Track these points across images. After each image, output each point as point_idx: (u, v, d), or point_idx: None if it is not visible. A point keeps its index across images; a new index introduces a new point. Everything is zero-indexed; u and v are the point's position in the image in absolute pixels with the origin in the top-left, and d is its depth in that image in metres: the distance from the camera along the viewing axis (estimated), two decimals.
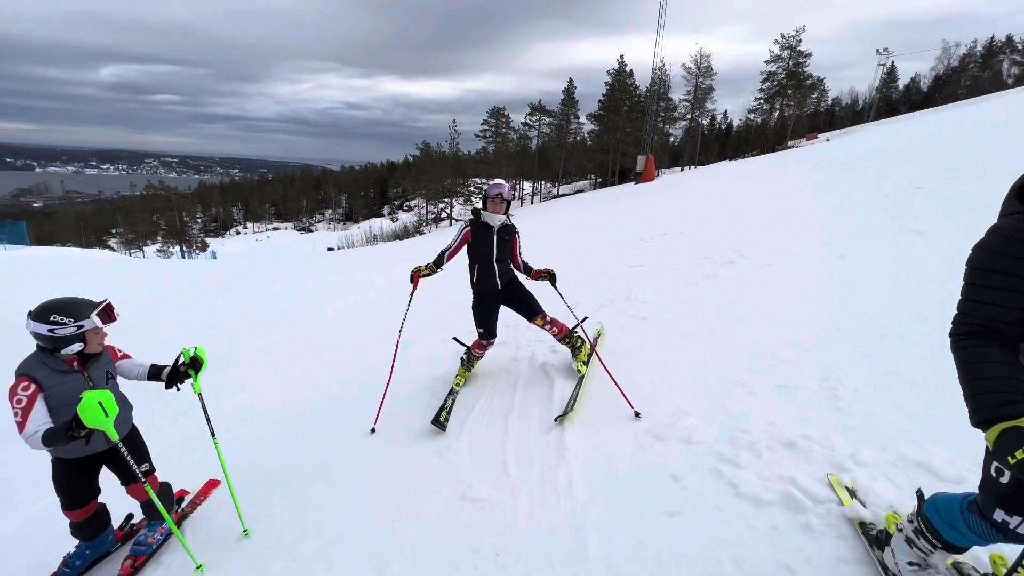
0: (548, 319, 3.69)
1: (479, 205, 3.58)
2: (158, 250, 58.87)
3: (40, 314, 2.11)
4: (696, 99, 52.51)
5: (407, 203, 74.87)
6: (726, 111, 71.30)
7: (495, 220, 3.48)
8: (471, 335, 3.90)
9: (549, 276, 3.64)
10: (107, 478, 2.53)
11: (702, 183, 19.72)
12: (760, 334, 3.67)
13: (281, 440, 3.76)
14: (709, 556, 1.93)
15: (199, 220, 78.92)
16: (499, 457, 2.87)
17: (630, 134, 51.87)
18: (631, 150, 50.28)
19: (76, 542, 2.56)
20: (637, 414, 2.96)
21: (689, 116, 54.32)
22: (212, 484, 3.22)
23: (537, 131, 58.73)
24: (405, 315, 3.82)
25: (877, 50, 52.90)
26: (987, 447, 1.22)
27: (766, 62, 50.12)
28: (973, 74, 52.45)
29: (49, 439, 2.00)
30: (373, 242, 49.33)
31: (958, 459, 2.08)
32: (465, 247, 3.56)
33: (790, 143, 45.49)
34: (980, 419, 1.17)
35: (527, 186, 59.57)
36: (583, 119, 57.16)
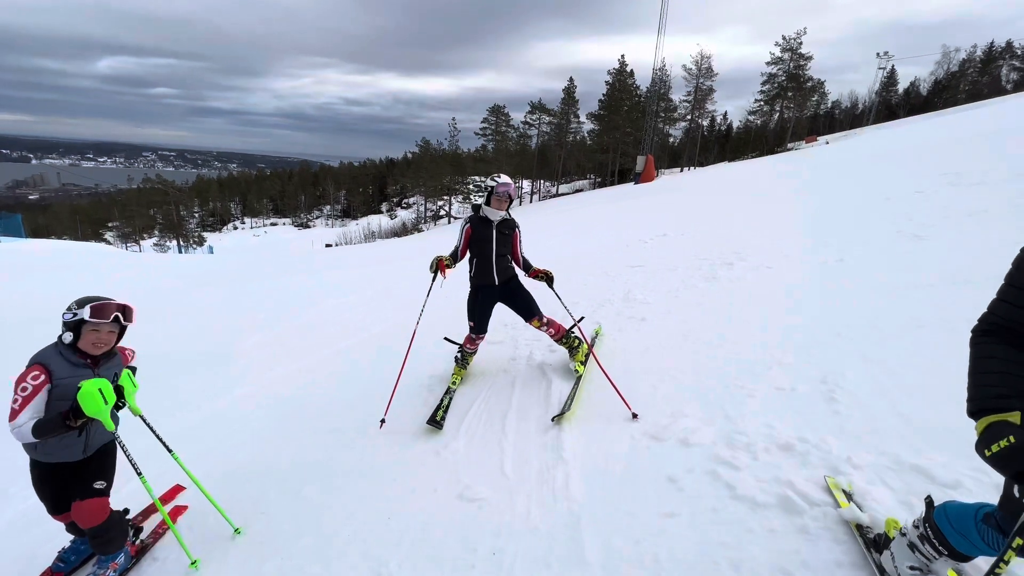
0: (545, 320, 3.68)
1: (480, 200, 3.58)
2: (155, 244, 58.67)
3: (72, 302, 2.21)
4: (696, 100, 52.57)
5: (406, 200, 74.73)
6: (726, 112, 71.45)
7: (495, 215, 3.49)
8: (463, 334, 3.92)
9: (547, 277, 3.63)
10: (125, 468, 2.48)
11: (701, 184, 19.74)
12: (758, 336, 3.67)
13: (277, 437, 3.75)
14: (706, 558, 1.93)
15: (196, 214, 78.62)
16: (496, 457, 2.87)
17: (630, 134, 51.91)
18: (631, 150, 50.33)
19: (72, 537, 2.55)
20: (635, 415, 2.96)
21: (689, 117, 54.38)
22: (178, 510, 2.92)
23: (537, 130, 58.70)
24: (424, 303, 3.84)
25: (877, 54, 53.19)
26: None
27: (767, 64, 50.27)
28: (972, 79, 52.64)
29: (43, 428, 2.00)
30: (371, 239, 49.29)
31: (955, 463, 2.09)
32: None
33: (789, 145, 45.61)
34: (973, 408, 1.20)
35: (526, 185, 59.53)
36: (583, 118, 57.23)
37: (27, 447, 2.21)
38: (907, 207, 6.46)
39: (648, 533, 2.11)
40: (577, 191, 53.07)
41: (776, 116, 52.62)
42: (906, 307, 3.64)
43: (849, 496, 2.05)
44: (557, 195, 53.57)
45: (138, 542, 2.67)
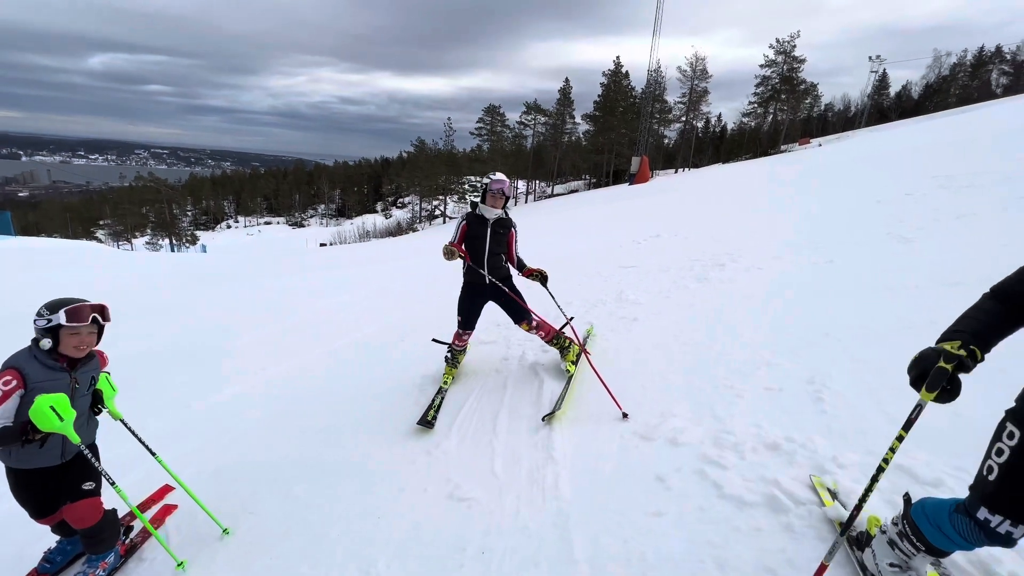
0: (534, 324, 3.68)
1: (477, 198, 3.57)
2: (147, 243, 58.20)
3: (41, 307, 2.14)
4: (691, 102, 52.85)
5: (401, 200, 74.56)
6: (720, 114, 71.91)
7: (491, 213, 3.49)
8: (450, 335, 3.93)
9: (540, 277, 3.64)
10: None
11: (695, 185, 19.84)
12: (748, 337, 3.70)
13: (269, 435, 3.74)
14: (692, 557, 1.94)
15: (189, 213, 78.12)
16: (487, 456, 2.87)
17: (625, 135, 52.08)
18: (626, 151, 50.51)
19: (57, 537, 2.53)
20: (625, 415, 2.97)
21: (684, 118, 54.68)
22: (167, 509, 2.89)
23: (532, 130, 58.78)
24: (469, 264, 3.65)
25: (870, 57, 53.72)
26: (988, 445, 1.33)
27: (761, 66, 50.63)
28: (963, 83, 53.22)
29: (2, 438, 1.96)
30: (366, 238, 49.14)
31: (937, 462, 2.11)
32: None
33: (783, 147, 45.93)
34: (940, 335, 1.40)
35: (521, 185, 59.58)
36: (579, 119, 57.36)
37: (1, 453, 2.17)
38: (897, 209, 6.53)
39: (636, 532, 2.12)
40: (572, 192, 53.17)
41: (770, 118, 52.99)
42: (895, 308, 3.67)
43: (834, 495, 2.07)
44: (552, 195, 53.62)
45: (127, 541, 2.65)
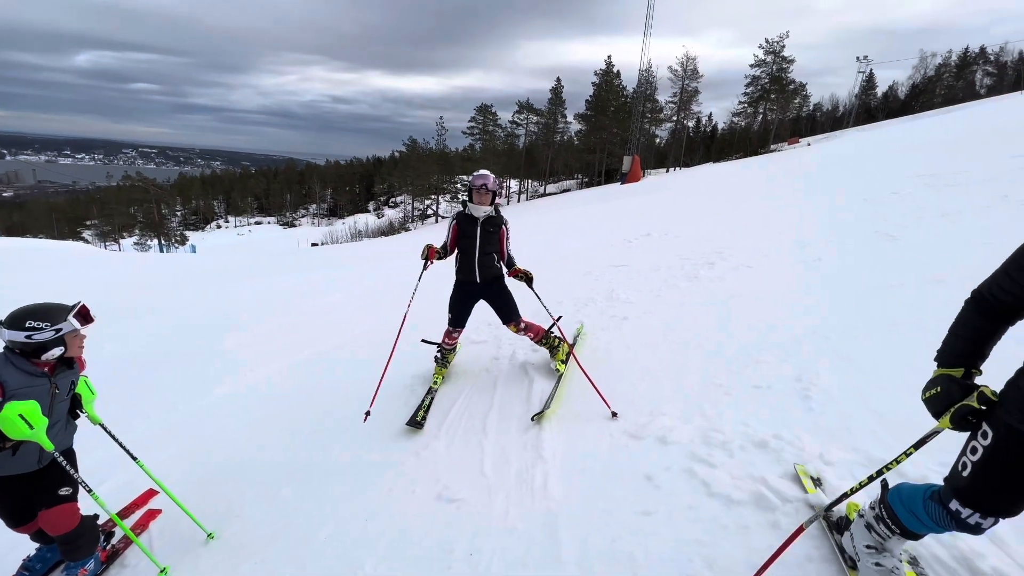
0: (523, 326, 3.67)
1: (467, 198, 3.56)
2: (135, 243, 57.42)
3: (14, 321, 2.04)
4: (682, 101, 53.07)
5: (393, 199, 74.22)
6: (711, 114, 72.40)
7: (480, 212, 3.46)
8: (440, 335, 3.92)
9: (526, 278, 3.60)
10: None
11: (687, 185, 19.95)
12: (737, 335, 3.71)
13: (257, 437, 3.69)
14: (680, 555, 1.94)
15: (178, 213, 77.14)
16: (476, 457, 2.86)
17: (617, 134, 52.22)
18: (618, 150, 50.66)
19: (37, 545, 2.47)
20: (614, 414, 2.97)
21: (675, 118, 54.89)
22: (150, 514, 2.85)
23: (524, 129, 58.76)
24: (414, 292, 3.82)
25: (857, 57, 54.27)
26: (964, 443, 1.40)
27: (750, 66, 50.94)
28: (948, 83, 54.00)
29: None
30: (358, 238, 48.90)
31: (922, 458, 2.13)
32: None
33: (772, 147, 46.30)
34: (936, 358, 1.48)
35: (514, 184, 59.55)
36: (570, 119, 57.41)
37: None
38: (884, 208, 6.59)
39: (624, 531, 2.11)
40: (564, 191, 53.25)
41: (760, 118, 53.37)
42: (881, 306, 3.71)
43: (817, 482, 2.12)
44: (544, 195, 53.69)
45: (108, 547, 2.60)
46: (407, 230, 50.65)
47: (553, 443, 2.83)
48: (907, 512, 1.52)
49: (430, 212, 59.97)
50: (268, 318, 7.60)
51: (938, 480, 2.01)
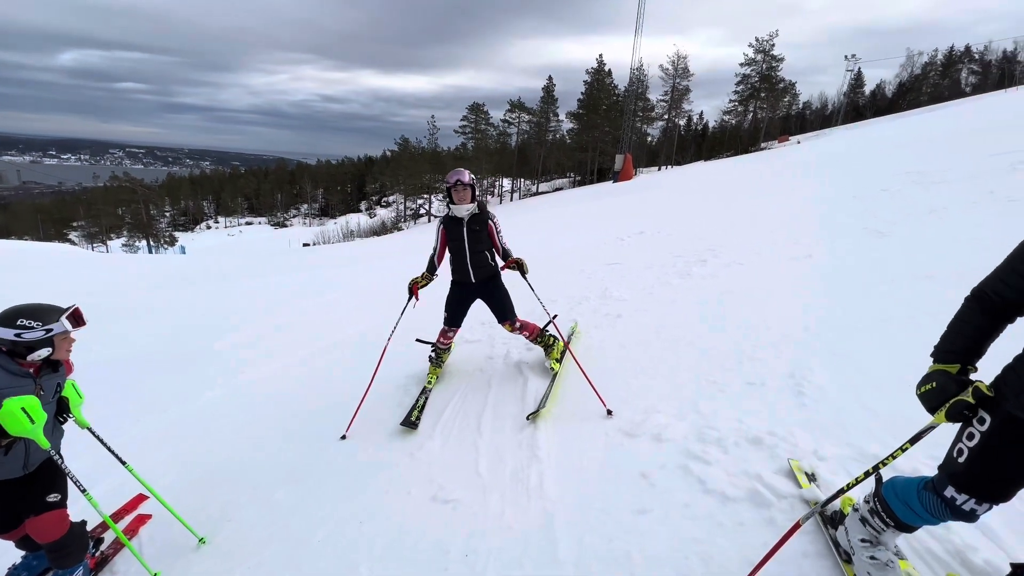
0: (518, 325, 3.65)
1: (448, 199, 3.53)
2: (123, 244, 56.65)
3: (5, 319, 2.00)
4: (673, 100, 53.33)
5: (385, 199, 73.87)
6: (702, 112, 72.67)
7: (463, 211, 3.42)
8: (435, 334, 3.90)
9: (518, 266, 3.53)
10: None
11: (678, 183, 20.03)
12: (730, 332, 3.73)
13: (250, 440, 3.65)
14: (677, 553, 1.95)
15: (167, 213, 76.34)
16: (471, 457, 2.84)
17: (609, 133, 52.33)
18: (610, 149, 50.74)
19: (23, 552, 2.43)
20: (609, 412, 2.97)
21: (666, 116, 55.16)
22: (141, 519, 2.82)
23: (517, 128, 58.67)
24: (395, 326, 3.82)
25: (846, 56, 54.86)
26: (958, 430, 1.42)
27: (740, 65, 51.32)
28: (934, 82, 54.70)
29: None
30: (350, 238, 48.62)
31: (915, 452, 2.13)
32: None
33: (763, 145, 46.64)
34: (932, 352, 1.49)
35: (506, 183, 59.48)
36: (563, 117, 57.43)
37: None
38: (873, 205, 6.66)
39: (621, 530, 2.11)
40: (557, 189, 53.26)
41: (750, 116, 53.76)
42: (872, 302, 3.74)
43: (811, 477, 2.13)
44: (537, 193, 53.67)
45: (97, 554, 2.55)
46: (399, 229, 50.43)
47: (548, 442, 2.82)
48: (902, 504, 1.53)
49: (422, 211, 59.75)
50: (260, 319, 7.53)
51: (930, 473, 2.04)
